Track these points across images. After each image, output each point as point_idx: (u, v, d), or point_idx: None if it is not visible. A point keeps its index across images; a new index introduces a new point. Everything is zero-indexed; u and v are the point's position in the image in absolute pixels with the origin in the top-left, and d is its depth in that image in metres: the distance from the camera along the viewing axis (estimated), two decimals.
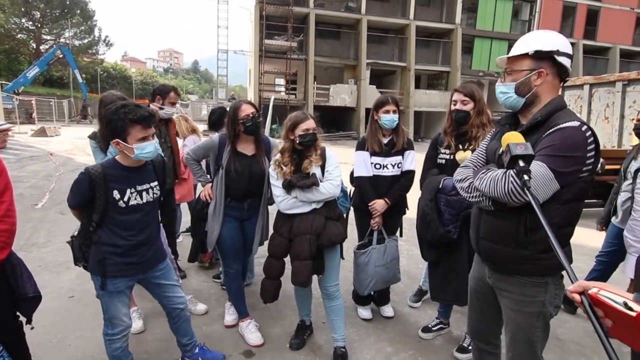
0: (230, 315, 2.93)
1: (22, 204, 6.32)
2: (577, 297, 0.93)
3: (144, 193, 2.01)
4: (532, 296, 1.59)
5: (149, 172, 2.06)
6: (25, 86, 25.16)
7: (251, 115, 2.51)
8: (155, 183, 2.08)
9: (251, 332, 2.70)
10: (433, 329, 2.84)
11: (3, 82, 22.80)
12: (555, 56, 1.51)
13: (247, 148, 2.61)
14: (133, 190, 1.97)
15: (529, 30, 25.88)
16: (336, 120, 25.27)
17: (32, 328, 2.00)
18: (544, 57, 1.52)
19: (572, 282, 0.97)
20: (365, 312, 3.07)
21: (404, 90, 24.16)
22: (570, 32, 26.35)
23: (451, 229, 2.39)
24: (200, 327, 2.84)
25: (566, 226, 1.53)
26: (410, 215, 2.94)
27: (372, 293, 3.02)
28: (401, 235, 3.07)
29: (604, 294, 0.87)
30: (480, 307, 1.86)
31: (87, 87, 29.50)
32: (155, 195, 2.06)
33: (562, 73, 1.55)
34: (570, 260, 1.63)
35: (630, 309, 0.81)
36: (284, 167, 2.33)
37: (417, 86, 25.30)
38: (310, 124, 2.31)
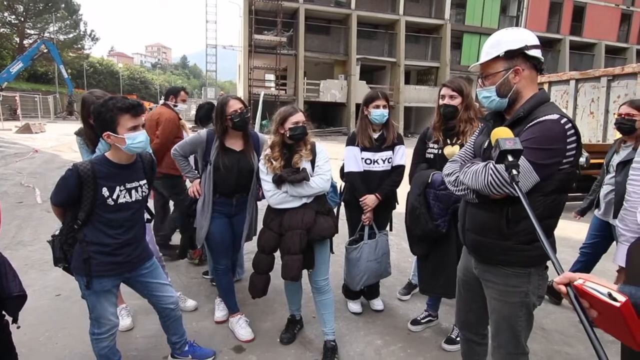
0: (220, 311, 2.92)
1: (7, 201, 6.21)
2: (563, 288, 0.94)
3: (133, 191, 1.98)
4: (515, 286, 1.62)
5: (139, 170, 2.03)
6: (9, 82, 24.64)
7: (239, 111, 2.50)
8: (144, 181, 2.05)
9: (241, 328, 2.70)
10: (422, 321, 2.87)
11: None
12: (526, 51, 1.54)
13: (235, 143, 2.60)
14: (122, 187, 1.94)
15: (517, 26, 26.14)
16: (326, 116, 25.26)
17: (18, 327, 1.96)
18: (515, 55, 1.55)
19: (558, 274, 0.98)
20: (355, 306, 3.10)
21: (393, 86, 24.25)
22: (557, 28, 26.73)
23: (440, 223, 2.42)
24: (190, 323, 2.82)
25: (549, 218, 1.56)
26: (400, 209, 2.96)
27: (362, 287, 3.04)
28: (391, 229, 3.09)
29: (590, 285, 0.89)
30: (468, 297, 1.89)
31: (72, 82, 29.00)
32: (143, 194, 2.04)
33: (536, 64, 1.58)
34: (554, 252, 1.67)
35: (615, 299, 0.83)
36: (274, 162, 2.33)
37: (407, 82, 25.42)
38: (299, 117, 2.31)
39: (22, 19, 35.74)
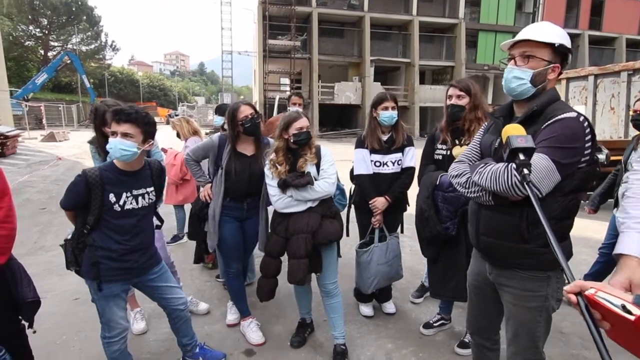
0: (232, 315, 2.94)
1: (30, 208, 6.44)
2: (573, 297, 0.88)
3: (140, 198, 2.01)
4: (534, 290, 1.57)
5: (146, 177, 2.07)
6: (35, 92, 25.63)
7: (250, 116, 2.52)
8: (152, 188, 2.08)
9: (252, 331, 2.72)
10: (434, 324, 2.83)
11: (12, 89, 23.18)
12: (569, 54, 1.53)
13: (246, 148, 2.63)
14: (129, 194, 1.97)
15: (533, 22, 25.60)
16: (341, 118, 25.25)
17: (34, 332, 2.03)
18: (561, 52, 1.52)
19: (569, 281, 0.93)
20: (366, 309, 3.07)
21: (408, 86, 24.08)
22: (575, 23, 26.04)
23: (449, 225, 2.37)
24: (202, 326, 2.86)
25: (566, 218, 1.52)
26: (412, 211, 2.93)
27: (374, 290, 3.01)
28: (402, 231, 3.06)
29: (602, 295, 0.83)
30: (480, 302, 1.85)
31: (95, 91, 29.91)
32: (150, 201, 2.07)
33: (561, 71, 1.57)
34: (569, 255, 1.61)
35: (629, 312, 0.77)
36: (278, 167, 2.34)
37: (422, 82, 25.19)
38: (303, 122, 2.31)
39: (47, 32, 37.18)
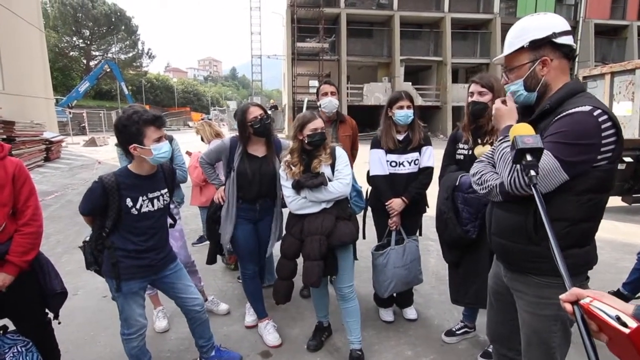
0: (250, 316, 2.95)
1: (70, 209, 6.77)
2: (569, 307, 0.83)
3: (155, 200, 2.07)
4: (548, 298, 1.46)
5: (160, 180, 2.12)
6: (78, 100, 27.10)
7: (259, 118, 2.52)
8: (165, 190, 2.14)
9: (269, 333, 2.71)
10: (457, 332, 2.71)
11: (58, 97, 24.63)
12: (554, 39, 1.41)
13: (257, 150, 2.63)
14: (145, 197, 2.03)
15: (575, 16, 24.30)
16: (371, 120, 24.99)
17: (59, 323, 2.13)
18: (541, 45, 1.42)
19: (568, 289, 0.86)
20: (386, 315, 2.99)
21: (440, 86, 23.50)
22: (623, 13, 24.47)
23: (469, 228, 2.27)
24: (221, 327, 2.89)
25: (585, 221, 1.40)
26: (433, 213, 2.84)
27: (394, 295, 2.94)
28: (420, 234, 2.97)
29: (597, 305, 0.77)
30: (500, 308, 1.76)
31: (133, 98, 31.28)
32: (165, 203, 2.12)
33: (567, 53, 1.45)
34: (591, 261, 1.49)
35: (624, 324, 0.71)
36: (293, 167, 2.32)
37: (455, 80, 24.46)
38: (318, 123, 2.29)
39: (89, 42, 39.46)
